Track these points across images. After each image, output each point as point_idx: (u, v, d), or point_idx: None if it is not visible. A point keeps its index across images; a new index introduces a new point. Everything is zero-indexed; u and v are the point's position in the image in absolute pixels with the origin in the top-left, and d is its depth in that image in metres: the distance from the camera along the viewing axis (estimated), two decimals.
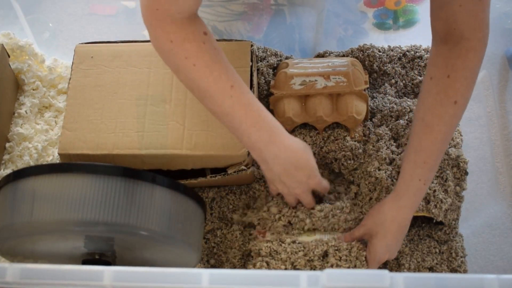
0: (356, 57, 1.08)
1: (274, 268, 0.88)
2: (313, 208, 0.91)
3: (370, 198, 0.95)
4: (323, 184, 0.89)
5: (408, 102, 1.03)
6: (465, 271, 0.95)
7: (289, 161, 0.82)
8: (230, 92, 0.76)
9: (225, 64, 0.77)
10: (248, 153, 0.92)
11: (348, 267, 0.86)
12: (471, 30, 0.76)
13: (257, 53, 1.07)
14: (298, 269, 0.87)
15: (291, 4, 1.07)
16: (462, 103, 0.80)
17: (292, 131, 1.01)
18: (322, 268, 0.87)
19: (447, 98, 0.79)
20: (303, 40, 1.14)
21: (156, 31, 0.75)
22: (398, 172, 0.95)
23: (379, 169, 0.96)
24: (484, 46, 0.78)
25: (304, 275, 0.49)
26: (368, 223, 0.88)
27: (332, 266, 0.87)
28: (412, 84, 1.08)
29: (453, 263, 0.94)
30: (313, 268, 0.88)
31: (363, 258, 0.88)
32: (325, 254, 0.88)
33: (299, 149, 0.83)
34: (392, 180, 0.95)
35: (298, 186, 0.85)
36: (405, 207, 0.85)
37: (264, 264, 0.88)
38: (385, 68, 1.08)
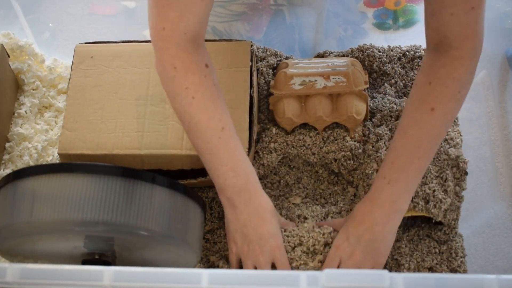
0: (356, 57, 1.08)
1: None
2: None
3: None
4: (285, 259, 0.82)
5: None
6: (465, 271, 0.95)
7: (258, 211, 0.81)
8: (219, 134, 0.78)
9: (221, 103, 0.78)
10: (248, 153, 0.92)
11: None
12: (461, 40, 0.75)
13: (256, 53, 1.07)
14: None
15: (291, 4, 1.07)
16: (440, 112, 0.78)
17: (292, 131, 1.01)
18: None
19: (424, 104, 0.79)
20: (303, 40, 1.14)
21: (161, 53, 0.75)
22: None
23: (377, 171, 0.96)
24: (475, 56, 0.77)
25: (303, 275, 0.49)
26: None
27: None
28: (412, 84, 1.08)
29: (453, 263, 0.94)
30: None
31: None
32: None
33: (269, 205, 0.83)
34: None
35: (259, 244, 0.81)
36: (368, 201, 0.83)
37: None
38: (385, 68, 1.08)
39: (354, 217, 0.84)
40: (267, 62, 1.07)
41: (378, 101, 1.05)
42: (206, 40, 1.01)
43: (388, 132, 1.00)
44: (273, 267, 0.83)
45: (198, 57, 0.76)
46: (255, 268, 0.82)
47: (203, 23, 0.76)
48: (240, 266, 0.85)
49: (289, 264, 0.83)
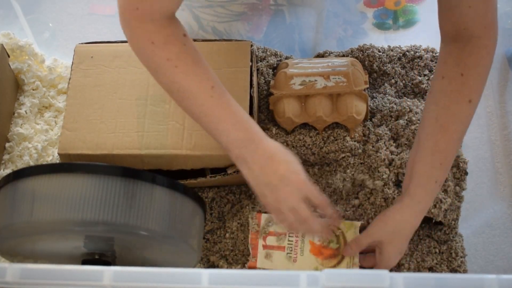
0: (356, 57, 1.08)
1: None
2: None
3: (368, 198, 0.96)
4: (315, 190, 0.79)
5: (408, 102, 1.03)
6: (465, 271, 0.95)
7: (268, 156, 0.77)
8: (210, 93, 0.76)
9: (205, 65, 0.78)
10: None
11: None
12: (482, 29, 0.76)
13: (256, 53, 1.07)
14: None
15: (291, 4, 1.07)
16: (476, 102, 0.80)
17: (292, 131, 1.01)
18: None
19: (462, 96, 0.78)
20: (303, 40, 1.14)
21: (135, 31, 0.75)
22: (396, 174, 0.95)
23: (378, 171, 0.96)
24: (495, 43, 0.78)
25: (303, 275, 0.49)
26: (378, 231, 0.86)
27: None
28: (412, 84, 1.08)
29: (453, 263, 0.94)
30: None
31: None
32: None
33: (277, 147, 0.79)
34: (388, 184, 0.95)
35: (283, 185, 0.77)
36: (423, 211, 0.84)
37: None
38: (385, 68, 1.08)
39: (405, 235, 0.85)
40: (267, 62, 1.07)
41: (378, 101, 1.05)
42: (206, 40, 1.01)
43: (388, 132, 1.00)
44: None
45: (175, 30, 0.76)
46: (295, 212, 0.79)
47: (178, 1, 0.76)
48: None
49: (322, 194, 0.80)
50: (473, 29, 0.76)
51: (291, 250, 0.91)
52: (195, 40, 1.01)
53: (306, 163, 1.02)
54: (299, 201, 0.78)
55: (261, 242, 0.91)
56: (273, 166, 0.77)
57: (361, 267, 0.90)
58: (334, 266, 0.89)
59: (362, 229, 0.93)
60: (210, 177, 0.95)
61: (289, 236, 0.91)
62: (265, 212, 0.95)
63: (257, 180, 0.79)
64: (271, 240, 0.91)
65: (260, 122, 1.03)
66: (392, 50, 1.11)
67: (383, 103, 1.04)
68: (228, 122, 0.77)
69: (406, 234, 0.85)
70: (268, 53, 1.09)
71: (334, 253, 0.90)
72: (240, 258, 0.95)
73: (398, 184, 0.96)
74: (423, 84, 1.07)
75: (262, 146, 0.78)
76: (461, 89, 0.78)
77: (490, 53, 0.78)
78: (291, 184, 0.78)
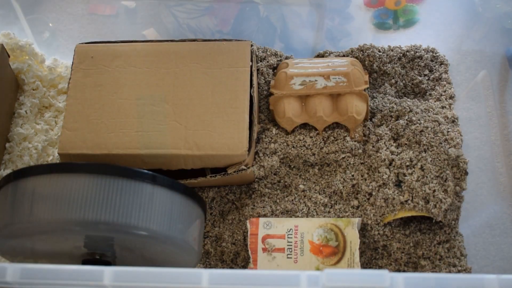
0: (356, 57, 1.08)
1: None
2: None
3: (368, 199, 0.96)
4: None
5: (408, 102, 1.03)
6: (465, 271, 0.94)
7: None
8: None
9: None
10: (248, 153, 0.92)
11: None
12: None
13: (257, 53, 1.07)
14: None
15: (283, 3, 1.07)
16: None
17: (292, 131, 1.01)
18: None
19: None
20: (303, 40, 1.14)
21: None
22: (396, 174, 0.95)
23: (378, 171, 0.96)
24: None
25: (304, 275, 0.49)
26: None
27: None
28: (412, 84, 1.08)
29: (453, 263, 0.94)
30: None
31: None
32: None
33: None
34: (388, 184, 0.95)
35: None
36: None
37: None
38: (385, 68, 1.08)
39: None
40: (267, 62, 1.07)
41: (378, 101, 1.05)
42: (206, 40, 1.01)
43: (388, 132, 1.00)
44: None
45: None
46: None
47: None
48: None
49: None
50: None
51: (291, 251, 0.91)
52: (194, 40, 1.01)
53: (306, 164, 1.02)
54: None
55: (260, 246, 0.91)
56: None
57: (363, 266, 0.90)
58: (335, 264, 0.89)
59: (360, 225, 0.93)
60: (211, 177, 0.95)
61: (288, 238, 0.91)
62: (263, 216, 0.95)
63: None
64: (270, 243, 0.91)
65: (260, 122, 1.03)
66: (392, 50, 1.11)
67: (383, 103, 1.04)
68: None
69: None
70: (268, 53, 1.09)
71: (334, 251, 0.90)
72: (240, 259, 0.95)
73: (398, 184, 0.96)
74: (423, 84, 1.07)
75: None
76: None
77: None
78: None
